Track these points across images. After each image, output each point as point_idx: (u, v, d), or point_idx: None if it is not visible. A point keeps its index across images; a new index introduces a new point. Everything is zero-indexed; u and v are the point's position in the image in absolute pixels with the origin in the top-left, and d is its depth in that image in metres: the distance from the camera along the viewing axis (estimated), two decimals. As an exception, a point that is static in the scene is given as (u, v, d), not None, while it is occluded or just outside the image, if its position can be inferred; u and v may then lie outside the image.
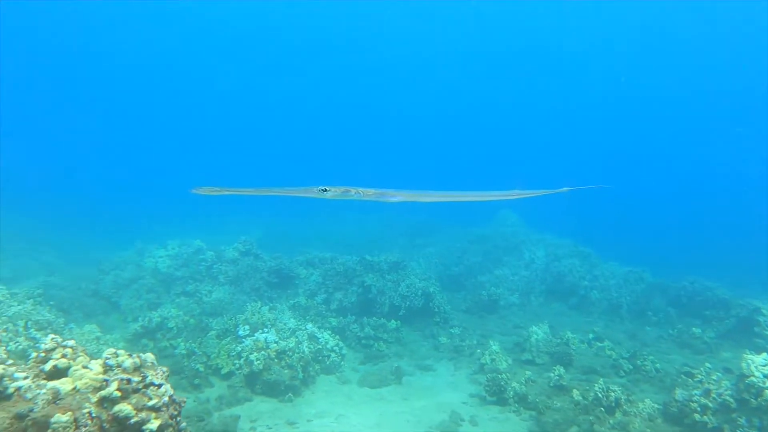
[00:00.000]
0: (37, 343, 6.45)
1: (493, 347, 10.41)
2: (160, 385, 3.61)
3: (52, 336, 3.76)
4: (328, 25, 57.05)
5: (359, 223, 27.85)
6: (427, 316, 13.81)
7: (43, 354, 3.66)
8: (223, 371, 9.10)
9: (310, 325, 10.69)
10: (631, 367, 10.38)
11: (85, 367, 3.61)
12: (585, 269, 18.31)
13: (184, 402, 3.74)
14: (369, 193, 3.74)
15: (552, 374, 8.61)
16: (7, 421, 3.22)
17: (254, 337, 9.37)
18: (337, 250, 18.44)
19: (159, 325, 10.83)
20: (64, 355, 3.66)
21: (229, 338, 9.83)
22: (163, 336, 10.71)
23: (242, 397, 8.22)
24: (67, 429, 3.18)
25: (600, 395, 7.73)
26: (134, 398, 3.47)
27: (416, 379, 9.83)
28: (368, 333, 12.22)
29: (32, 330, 7.45)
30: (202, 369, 9.12)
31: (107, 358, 3.75)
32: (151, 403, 3.46)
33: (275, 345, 9.17)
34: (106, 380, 3.57)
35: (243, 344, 9.32)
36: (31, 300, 8.90)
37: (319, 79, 63.79)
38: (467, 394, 8.92)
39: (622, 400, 7.73)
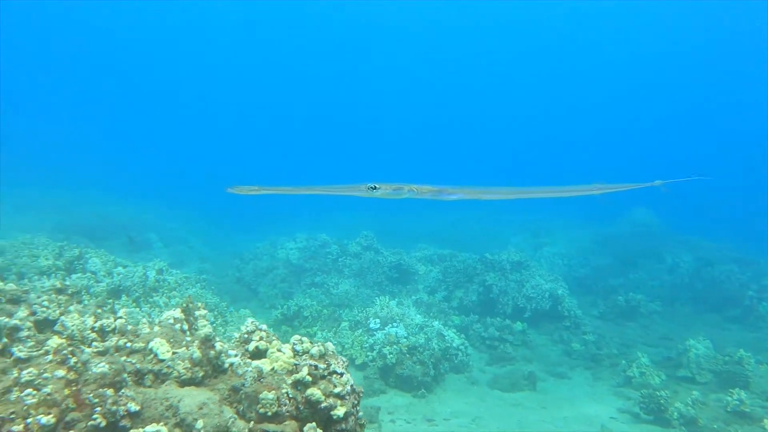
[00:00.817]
0: (214, 323, 7.33)
1: (642, 359, 9.33)
2: (342, 374, 3.79)
3: (251, 320, 4.18)
4: (356, 23, 56.70)
5: (465, 220, 27.30)
6: (555, 320, 12.96)
7: (246, 335, 4.08)
8: (357, 362, 9.51)
9: (436, 323, 10.68)
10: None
11: (279, 350, 3.94)
12: (747, 277, 15.59)
13: (362, 392, 3.89)
14: (424, 191, 3.50)
15: (729, 398, 7.40)
16: (226, 392, 3.65)
17: (385, 331, 9.63)
18: (449, 248, 18.27)
19: (296, 314, 11.72)
20: (261, 338, 4.04)
21: (361, 330, 10.25)
22: (300, 323, 11.57)
23: (378, 388, 8.50)
24: (273, 405, 3.48)
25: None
26: (322, 384, 3.68)
27: (551, 386, 9.24)
28: (493, 334, 11.85)
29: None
30: (338, 357, 9.65)
31: (294, 344, 4.05)
32: (336, 390, 3.65)
33: (405, 340, 9.32)
34: (296, 364, 3.85)
35: (375, 337, 9.64)
36: (199, 284, 10.28)
37: (361, 76, 63.85)
38: (614, 408, 8.12)
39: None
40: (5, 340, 3.55)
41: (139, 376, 3.83)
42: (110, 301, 7.21)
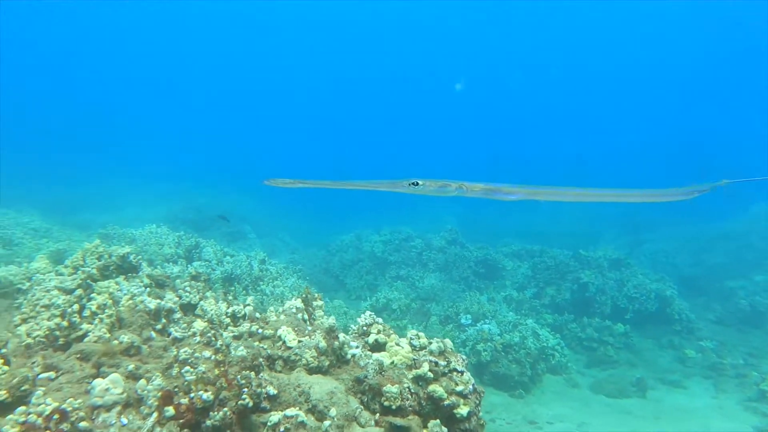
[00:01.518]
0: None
1: (778, 374, 8.19)
2: (462, 372, 3.76)
3: (369, 312, 4.29)
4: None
5: (552, 215, 25.86)
6: (662, 323, 11.83)
7: (364, 327, 4.20)
8: (449, 356, 9.45)
9: (530, 321, 10.26)
10: None
11: (397, 344, 4.00)
12: None
13: (483, 392, 3.83)
14: (475, 189, 3.25)
15: None
16: (350, 382, 3.78)
17: (477, 327, 9.45)
18: (536, 243, 17.44)
19: (385, 306, 11.92)
20: (379, 331, 4.14)
21: (452, 325, 10.17)
22: (389, 316, 11.75)
23: (472, 385, 8.37)
24: (396, 399, 3.54)
25: None
26: (444, 381, 3.68)
27: (663, 395, 8.46)
28: (591, 335, 11.13)
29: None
30: (428, 351, 9.68)
31: (411, 338, 4.09)
32: (459, 388, 3.62)
33: (499, 338, 9.07)
34: (415, 359, 3.89)
35: (467, 333, 9.50)
36: (296, 275, 10.87)
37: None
38: (749, 425, 7.21)
39: None
40: (164, 320, 4.00)
41: (270, 361, 4.12)
42: (232, 289, 7.89)
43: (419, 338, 4.04)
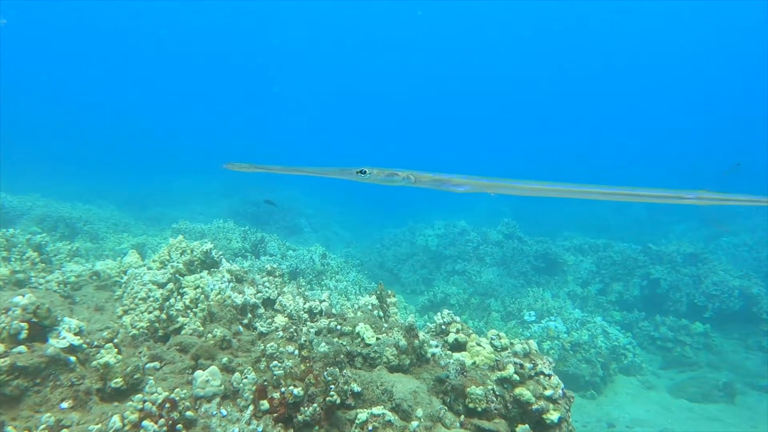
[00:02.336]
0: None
1: None
2: (550, 376, 3.62)
3: (447, 311, 4.24)
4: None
5: (617, 208, 24.46)
6: (748, 323, 10.88)
7: (443, 326, 4.16)
8: (512, 353, 9.22)
9: (599, 318, 9.79)
10: None
11: (478, 344, 3.92)
12: None
13: (573, 398, 3.67)
14: (424, 179, 3.11)
15: None
16: (432, 382, 3.75)
17: (542, 324, 9.14)
18: (599, 236, 16.58)
19: (443, 301, 11.82)
20: (458, 330, 4.07)
21: (514, 322, 9.91)
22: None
23: (539, 383, 8.12)
24: (481, 401, 3.47)
25: None
26: (531, 384, 3.56)
27: (756, 402, 7.79)
28: (665, 334, 10.45)
29: (363, 295, 9.23)
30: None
31: (492, 339, 3.99)
32: (547, 393, 3.49)
33: (567, 336, 8.72)
34: (498, 361, 3.79)
35: (531, 330, 9.22)
36: (355, 269, 11.03)
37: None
38: None
39: None
40: (249, 315, 4.16)
41: (350, 358, 4.18)
42: (304, 283, 8.13)
43: (500, 338, 3.93)
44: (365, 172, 3.00)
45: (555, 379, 3.56)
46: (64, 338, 3.00)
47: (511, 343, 3.85)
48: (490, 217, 19.19)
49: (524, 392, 3.47)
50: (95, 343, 3.33)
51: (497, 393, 3.54)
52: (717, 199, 3.12)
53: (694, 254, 13.16)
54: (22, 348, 2.76)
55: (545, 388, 3.50)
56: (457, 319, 4.18)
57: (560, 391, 3.49)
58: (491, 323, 10.17)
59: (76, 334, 3.11)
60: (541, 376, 3.59)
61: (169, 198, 22.87)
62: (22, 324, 2.82)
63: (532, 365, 3.63)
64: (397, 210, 25.27)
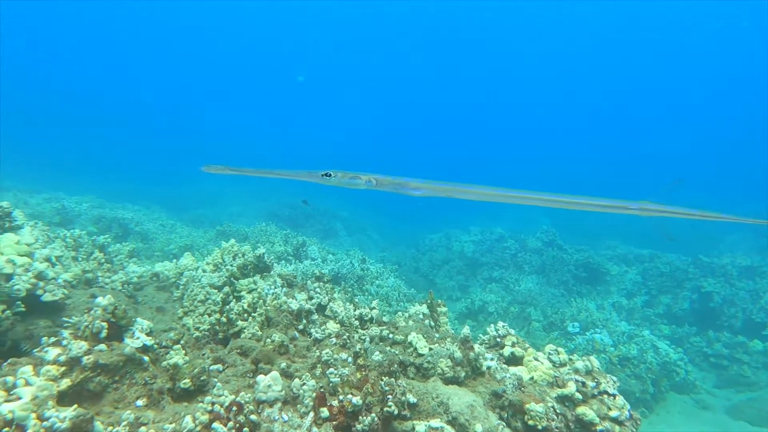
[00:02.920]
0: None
1: None
2: (615, 395, 3.48)
3: (502, 323, 4.16)
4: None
5: (660, 218, 23.35)
6: (812, 344, 10.17)
7: (498, 339, 4.09)
8: (555, 365, 8.97)
9: (647, 332, 9.38)
10: None
11: (535, 359, 3.82)
12: None
13: (640, 420, 3.52)
14: (384, 183, 3.20)
15: None
16: (487, 396, 3.68)
17: (587, 336, 8.84)
18: (645, 246, 15.92)
19: (481, 308, 11.65)
20: (514, 343, 3.99)
21: (557, 333, 9.64)
22: (485, 319, 11.46)
23: (584, 398, 7.85)
24: (541, 419, 3.37)
25: None
26: (594, 404, 3.44)
27: (824, 432, 7.24)
28: (719, 351, 9.90)
29: (403, 301, 9.24)
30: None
31: (550, 354, 3.89)
32: (613, 414, 3.36)
33: (614, 349, 8.40)
34: (556, 377, 3.68)
35: (575, 342, 8.93)
36: (393, 274, 11.03)
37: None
38: None
39: None
40: (305, 321, 4.23)
41: (402, 367, 4.17)
42: (350, 289, 8.22)
43: (559, 354, 3.83)
44: (330, 174, 3.10)
45: (620, 400, 3.42)
46: (138, 338, 3.13)
47: (571, 359, 3.73)
48: (526, 223, 18.77)
49: (587, 412, 3.35)
50: (163, 343, 3.46)
51: (558, 411, 3.44)
52: (657, 211, 3.27)
53: (751, 267, 12.45)
54: (103, 346, 2.90)
55: (610, 409, 3.37)
56: (512, 331, 4.10)
57: (627, 413, 3.35)
58: (532, 333, 9.93)
59: (147, 335, 3.25)
60: (605, 396, 3.46)
61: (207, 199, 23.62)
62: (103, 323, 2.96)
63: (595, 384, 3.51)
64: (430, 215, 25.17)
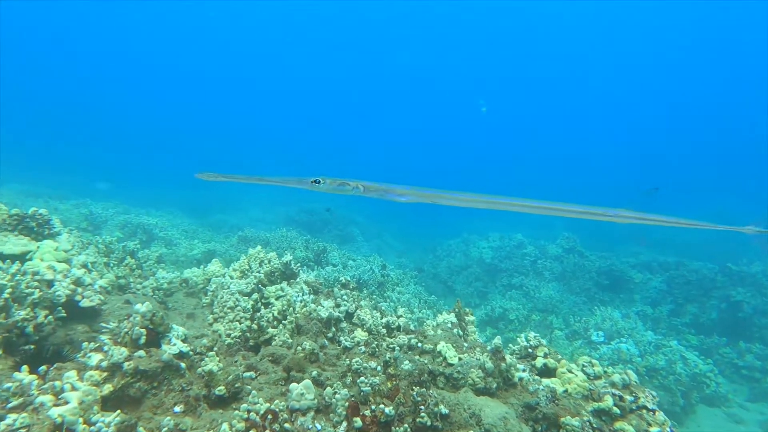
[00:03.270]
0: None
1: None
2: (654, 411, 3.39)
3: (533, 334, 4.10)
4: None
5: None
6: None
7: (529, 350, 4.02)
8: (580, 375, 8.78)
9: (675, 342, 9.14)
10: None
11: (569, 371, 3.75)
12: None
13: (681, 434, 3.41)
14: (371, 189, 3.31)
15: None
16: (520, 408, 3.62)
17: (613, 346, 8.65)
18: (669, 254, 15.57)
19: (501, 316, 11.51)
20: (546, 354, 3.92)
21: (580, 342, 9.46)
22: (506, 327, 11.32)
23: (611, 410, 7.67)
24: (578, 433, 3.29)
25: None
26: (633, 419, 3.35)
27: None
28: (751, 363, 9.58)
29: (424, 308, 9.20)
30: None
31: (584, 366, 3.81)
32: (653, 430, 3.26)
33: (641, 360, 8.20)
34: (591, 390, 3.60)
35: (600, 351, 8.75)
36: (413, 280, 10.99)
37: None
38: None
39: None
40: (334, 329, 4.23)
41: (431, 377, 4.13)
42: (374, 297, 8.22)
43: (593, 366, 3.75)
44: (319, 181, 3.19)
45: (661, 415, 3.33)
46: (174, 345, 3.17)
47: (606, 372, 3.65)
48: (544, 229, 18.50)
49: (626, 427, 3.27)
50: (197, 350, 3.49)
51: (595, 426, 3.36)
52: (634, 218, 3.35)
53: (782, 276, 12.05)
54: (142, 352, 2.94)
55: (650, 425, 3.28)
56: (544, 342, 4.04)
57: (668, 429, 3.25)
58: (555, 342, 9.76)
59: (183, 341, 3.28)
60: (644, 411, 3.37)
61: (226, 204, 23.92)
62: (142, 330, 3.01)
63: (633, 398, 3.42)
64: (446, 221, 25.05)
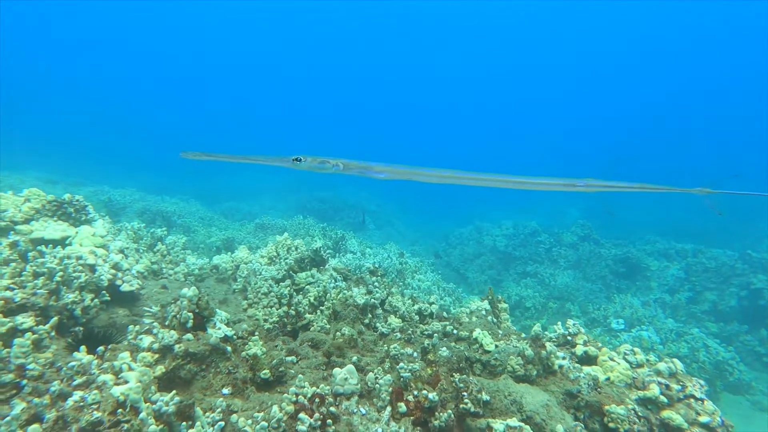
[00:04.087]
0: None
1: None
2: (703, 400, 3.35)
3: (573, 321, 4.06)
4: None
5: (699, 211, 22.58)
6: None
7: (568, 337, 3.99)
8: (600, 363, 8.77)
9: (696, 330, 9.08)
10: None
11: (611, 359, 3.71)
12: None
13: (733, 427, 3.37)
14: (351, 167, 3.36)
15: None
16: (561, 396, 3.60)
17: (633, 334, 8.61)
18: (687, 241, 15.38)
19: (517, 303, 11.48)
20: (586, 342, 3.89)
21: (600, 329, 9.43)
22: (522, 314, 11.30)
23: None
24: (623, 422, 3.27)
25: None
26: (681, 409, 3.31)
27: None
28: (773, 352, 9.51)
29: (445, 296, 9.20)
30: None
31: (626, 354, 3.77)
32: (703, 419, 3.23)
33: (663, 347, 8.16)
34: (634, 378, 3.57)
35: (620, 339, 8.71)
36: (430, 268, 10.96)
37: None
38: None
39: None
40: (370, 315, 4.22)
41: (468, 364, 4.12)
42: (400, 284, 8.21)
43: (635, 354, 3.71)
44: (300, 159, 3.24)
45: (710, 405, 3.29)
46: (219, 329, 3.17)
47: (648, 360, 3.61)
48: (556, 217, 18.37)
49: (674, 416, 3.23)
50: (239, 334, 3.49)
51: (641, 414, 3.33)
52: (601, 186, 3.44)
53: (804, 265, 11.88)
54: (190, 336, 2.94)
55: (699, 414, 3.24)
56: (583, 330, 4.00)
57: (719, 419, 3.21)
58: (575, 330, 9.72)
59: (227, 325, 3.28)
60: (692, 400, 3.33)
61: (238, 192, 23.94)
62: (189, 314, 3.01)
63: (680, 387, 3.38)
64: (456, 209, 24.95)
